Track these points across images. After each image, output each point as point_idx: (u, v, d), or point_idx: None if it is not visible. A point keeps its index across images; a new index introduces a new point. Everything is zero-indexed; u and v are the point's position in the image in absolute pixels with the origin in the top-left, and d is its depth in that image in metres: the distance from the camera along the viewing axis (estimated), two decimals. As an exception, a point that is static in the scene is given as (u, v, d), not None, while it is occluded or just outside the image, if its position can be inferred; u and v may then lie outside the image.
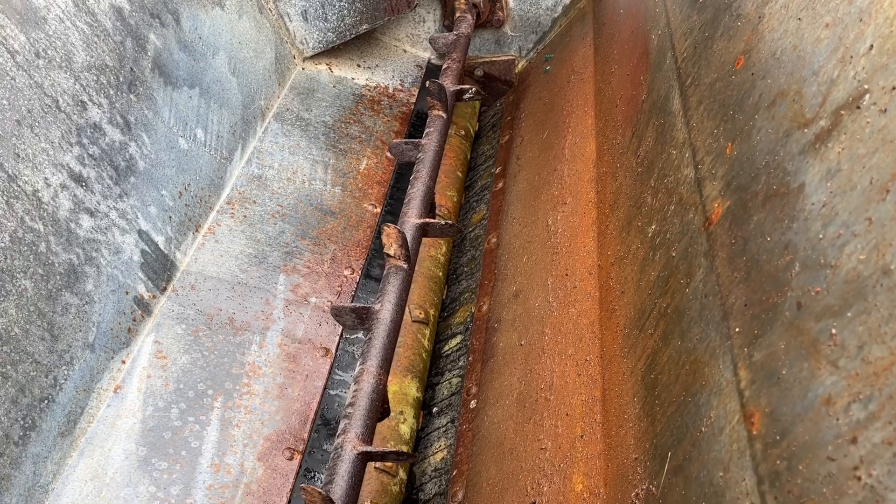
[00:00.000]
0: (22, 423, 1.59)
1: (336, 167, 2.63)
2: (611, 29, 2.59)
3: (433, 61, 3.25)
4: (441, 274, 2.45)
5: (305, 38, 2.94)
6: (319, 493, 1.34)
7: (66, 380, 1.71)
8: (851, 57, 1.09)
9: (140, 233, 2.00)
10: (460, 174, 2.84)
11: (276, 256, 2.27)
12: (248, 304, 2.11)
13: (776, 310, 1.06)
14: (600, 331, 1.71)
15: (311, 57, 3.01)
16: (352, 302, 2.23)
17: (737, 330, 1.15)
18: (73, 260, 1.78)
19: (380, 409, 1.63)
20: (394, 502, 1.83)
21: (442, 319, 2.37)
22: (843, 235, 0.97)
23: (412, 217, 2.06)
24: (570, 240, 2.04)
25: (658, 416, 1.31)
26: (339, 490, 1.44)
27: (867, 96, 1.02)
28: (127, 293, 1.92)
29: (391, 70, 3.15)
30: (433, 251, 2.46)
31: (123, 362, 1.87)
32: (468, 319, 2.26)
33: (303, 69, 2.98)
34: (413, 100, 3.05)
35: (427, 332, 2.23)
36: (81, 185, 1.84)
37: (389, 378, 1.83)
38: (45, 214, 1.73)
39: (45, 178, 1.75)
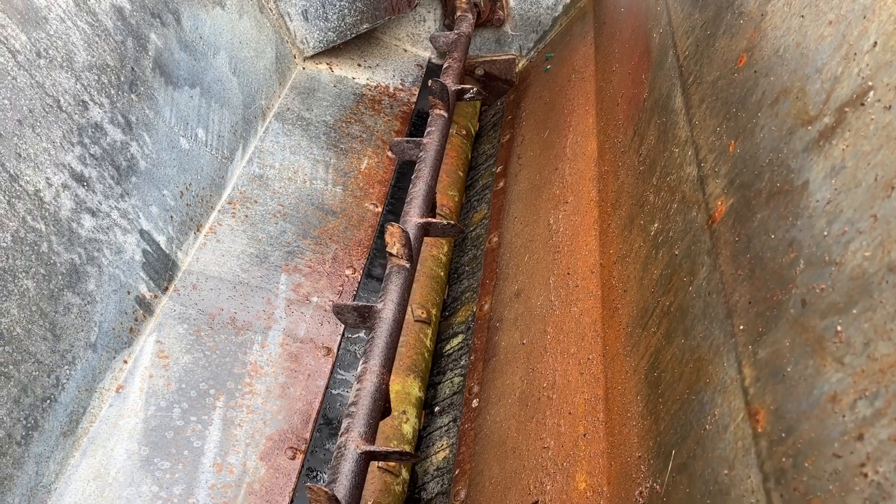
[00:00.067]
0: (24, 422, 1.59)
1: (337, 166, 2.63)
2: (612, 27, 2.59)
3: (434, 60, 3.25)
4: (442, 273, 2.44)
5: (306, 38, 2.94)
6: (325, 492, 1.34)
7: (68, 379, 1.71)
8: (855, 54, 1.09)
9: (142, 232, 1.99)
10: (461, 173, 2.84)
11: (278, 256, 2.27)
12: (250, 304, 2.11)
13: (781, 307, 1.05)
14: (603, 329, 1.71)
15: (312, 56, 3.01)
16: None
17: (741, 327, 1.14)
18: (74, 260, 1.78)
19: (382, 408, 1.63)
20: (397, 502, 1.83)
21: (443, 319, 2.36)
22: (847, 232, 0.97)
23: (414, 216, 2.06)
24: (571, 238, 2.04)
25: (661, 414, 1.31)
26: (342, 489, 1.44)
27: (871, 93, 1.02)
28: (129, 293, 1.92)
29: (392, 69, 3.15)
30: (435, 250, 2.46)
31: (125, 362, 1.87)
32: (470, 319, 2.26)
33: (303, 69, 2.98)
34: (414, 99, 3.05)
35: (429, 331, 2.23)
36: (83, 185, 1.84)
37: (392, 377, 1.83)
38: (47, 214, 1.73)
39: (47, 178, 1.75)
